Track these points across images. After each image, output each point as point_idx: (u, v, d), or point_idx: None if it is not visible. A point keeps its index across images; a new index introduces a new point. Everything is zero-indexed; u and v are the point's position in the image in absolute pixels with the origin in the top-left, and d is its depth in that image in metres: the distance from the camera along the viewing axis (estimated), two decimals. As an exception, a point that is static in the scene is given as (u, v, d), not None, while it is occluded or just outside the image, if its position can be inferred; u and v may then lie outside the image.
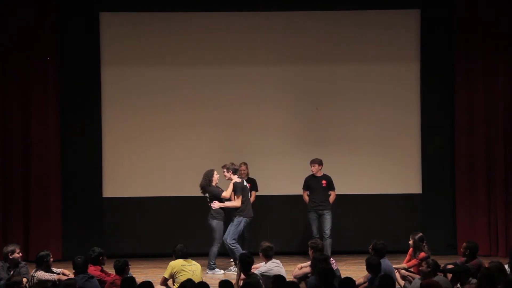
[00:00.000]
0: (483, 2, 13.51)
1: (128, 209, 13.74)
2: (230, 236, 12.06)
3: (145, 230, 13.58)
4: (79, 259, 9.59)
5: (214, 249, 12.09)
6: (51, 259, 10.10)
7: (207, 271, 11.94)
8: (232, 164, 12.40)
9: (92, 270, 9.86)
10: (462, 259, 10.34)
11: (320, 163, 12.91)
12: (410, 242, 10.78)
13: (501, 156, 13.52)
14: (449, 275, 9.93)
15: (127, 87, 13.82)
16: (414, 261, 10.59)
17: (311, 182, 12.97)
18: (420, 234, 10.75)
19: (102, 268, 10.06)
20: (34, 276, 9.82)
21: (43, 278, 9.77)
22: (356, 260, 12.68)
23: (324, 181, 12.88)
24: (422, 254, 10.46)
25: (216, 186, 12.28)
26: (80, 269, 9.54)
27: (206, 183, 12.21)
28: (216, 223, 12.11)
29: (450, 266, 10.18)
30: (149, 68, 13.83)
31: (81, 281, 9.25)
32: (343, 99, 13.90)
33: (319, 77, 13.91)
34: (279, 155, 13.79)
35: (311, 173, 12.99)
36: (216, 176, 12.27)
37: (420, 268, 9.61)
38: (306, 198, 13.01)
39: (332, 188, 12.92)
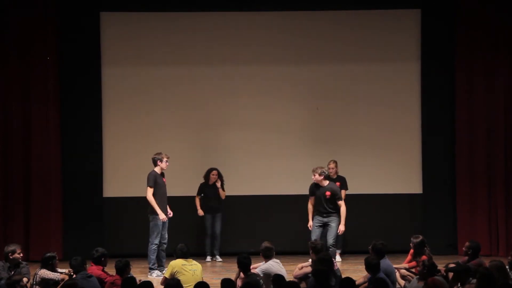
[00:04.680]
0: (483, 2, 13.51)
1: (128, 209, 13.75)
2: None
3: (145, 230, 13.53)
4: (74, 260, 9.59)
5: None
6: (57, 261, 10.10)
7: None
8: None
9: (94, 269, 9.86)
10: (464, 259, 10.34)
11: (321, 173, 12.00)
12: (412, 245, 10.75)
13: (501, 156, 13.52)
14: (450, 274, 9.92)
15: (127, 87, 13.82)
16: (414, 263, 10.58)
17: (314, 190, 12.17)
18: (421, 238, 10.63)
19: (103, 268, 10.06)
20: (37, 274, 9.81)
21: (46, 277, 9.76)
22: (356, 260, 12.67)
23: (328, 192, 12.01)
24: (424, 258, 10.42)
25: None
26: (77, 269, 9.54)
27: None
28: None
29: (452, 265, 10.16)
30: (150, 68, 13.83)
31: (79, 280, 9.25)
32: (343, 99, 13.91)
33: (319, 77, 13.91)
34: (279, 155, 13.79)
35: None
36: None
37: (418, 269, 9.63)
38: (310, 207, 12.18)
39: (339, 199, 12.07)
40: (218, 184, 13.35)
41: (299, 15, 13.87)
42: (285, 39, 13.84)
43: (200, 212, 13.36)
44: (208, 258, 13.38)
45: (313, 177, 12.06)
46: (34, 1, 13.41)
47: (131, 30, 13.81)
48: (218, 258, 13.39)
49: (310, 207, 12.24)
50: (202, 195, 13.39)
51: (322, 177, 12.05)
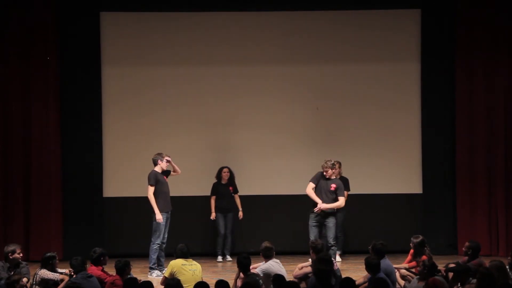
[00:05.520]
0: (483, 2, 13.51)
1: (128, 209, 13.75)
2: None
3: (145, 230, 13.55)
4: (75, 260, 9.60)
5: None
6: (57, 261, 10.11)
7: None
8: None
9: (94, 269, 9.87)
10: (464, 259, 10.34)
11: (331, 166, 12.03)
12: (412, 245, 10.74)
13: (501, 156, 13.53)
14: (450, 274, 9.92)
15: (127, 87, 13.83)
16: (414, 263, 10.58)
17: (320, 179, 12.08)
18: (421, 238, 10.62)
19: (103, 268, 10.07)
20: (37, 274, 9.82)
21: (45, 277, 9.77)
22: (356, 260, 12.68)
23: (334, 185, 12.01)
24: (424, 258, 10.42)
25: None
26: (78, 269, 9.55)
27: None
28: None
29: (452, 265, 10.16)
30: (150, 67, 13.84)
31: (79, 280, 9.25)
32: (343, 99, 13.91)
33: (319, 77, 13.91)
34: (279, 155, 13.79)
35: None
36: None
37: (418, 269, 9.64)
38: (309, 191, 12.01)
39: (340, 194, 12.09)
40: (240, 213, 13.46)
41: (299, 15, 13.87)
42: (285, 39, 13.84)
43: (213, 215, 13.36)
44: (220, 258, 13.33)
45: (325, 173, 12.02)
46: (34, 1, 13.41)
47: (131, 30, 13.81)
48: (228, 258, 13.34)
49: (308, 190, 12.08)
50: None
51: (334, 171, 12.15)
